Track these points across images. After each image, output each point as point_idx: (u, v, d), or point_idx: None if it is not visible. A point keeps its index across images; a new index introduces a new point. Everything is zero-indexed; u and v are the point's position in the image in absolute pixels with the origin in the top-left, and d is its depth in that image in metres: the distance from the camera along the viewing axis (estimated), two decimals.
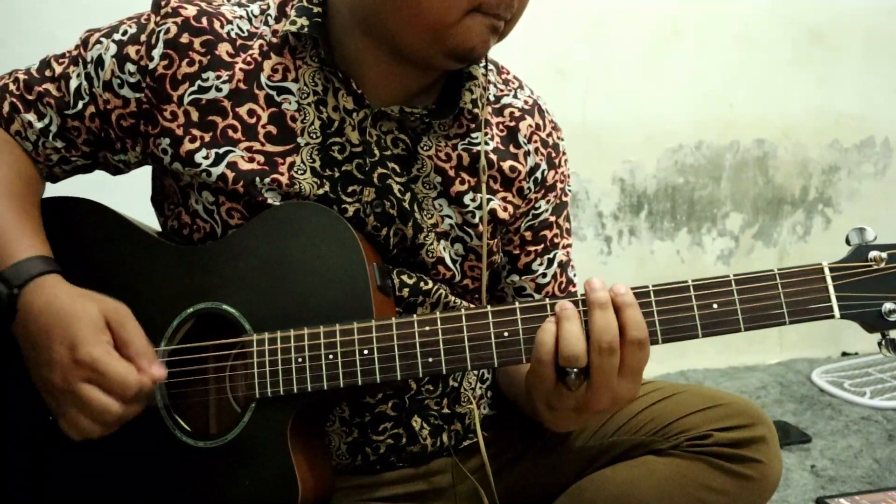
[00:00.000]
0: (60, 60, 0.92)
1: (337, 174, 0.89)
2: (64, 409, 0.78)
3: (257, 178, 0.87)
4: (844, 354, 2.45)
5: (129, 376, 0.76)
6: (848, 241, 0.75)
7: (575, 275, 1.06)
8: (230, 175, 0.86)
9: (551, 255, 1.02)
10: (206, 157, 0.87)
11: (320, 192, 0.88)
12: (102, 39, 0.90)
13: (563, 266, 1.04)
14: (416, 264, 0.93)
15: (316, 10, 0.88)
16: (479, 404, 1.03)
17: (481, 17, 0.82)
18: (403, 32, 0.84)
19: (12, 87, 0.92)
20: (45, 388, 0.79)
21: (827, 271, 0.74)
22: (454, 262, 0.95)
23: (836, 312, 0.74)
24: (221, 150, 0.87)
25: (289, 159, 0.88)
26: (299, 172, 0.88)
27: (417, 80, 0.91)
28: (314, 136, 0.89)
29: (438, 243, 0.93)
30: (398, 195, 0.90)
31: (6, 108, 0.91)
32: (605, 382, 0.74)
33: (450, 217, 0.94)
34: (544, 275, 1.02)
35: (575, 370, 0.73)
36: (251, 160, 0.87)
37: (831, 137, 2.42)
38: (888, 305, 0.73)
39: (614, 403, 0.76)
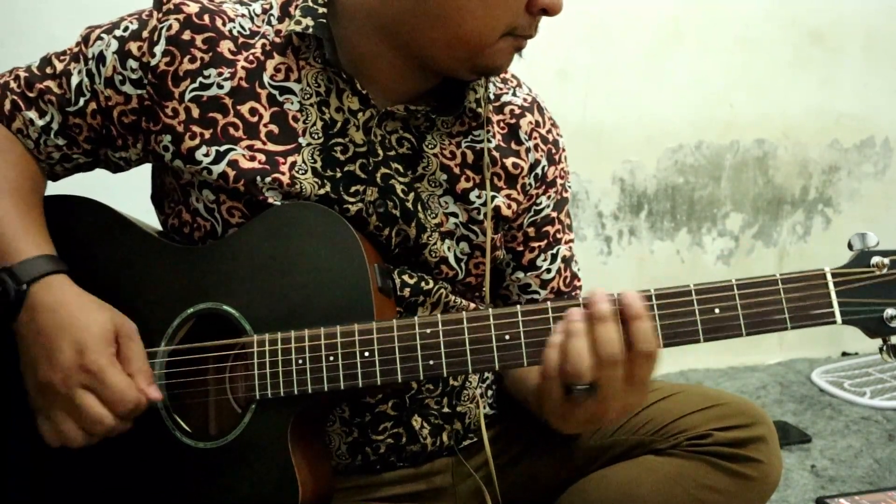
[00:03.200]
0: (61, 58, 0.92)
1: (339, 175, 0.89)
2: (53, 410, 0.78)
3: (258, 177, 0.87)
4: (844, 354, 2.45)
5: (128, 391, 0.78)
6: (850, 247, 0.75)
7: (579, 269, 1.06)
8: (231, 173, 0.86)
9: (555, 251, 1.02)
10: (207, 155, 0.87)
11: (321, 192, 0.88)
12: (104, 36, 0.90)
13: (567, 261, 1.04)
14: (419, 264, 0.93)
15: (321, 10, 0.88)
16: (480, 404, 1.03)
17: (513, 40, 0.86)
18: (435, 48, 0.85)
19: (13, 84, 0.92)
20: (39, 385, 0.79)
21: (829, 277, 0.74)
22: (458, 260, 0.95)
23: (838, 318, 0.73)
24: (222, 148, 0.87)
25: (290, 159, 0.88)
26: (300, 172, 0.88)
27: (426, 82, 0.91)
28: (316, 137, 0.89)
29: (442, 243, 0.93)
30: (401, 195, 0.90)
31: (7, 105, 0.91)
32: (613, 394, 0.73)
33: (455, 215, 0.94)
34: (549, 270, 1.02)
35: (580, 386, 0.73)
36: (252, 159, 0.87)
37: (831, 137, 2.42)
38: (890, 311, 0.72)
39: (624, 412, 0.76)
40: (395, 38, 0.86)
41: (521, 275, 1.01)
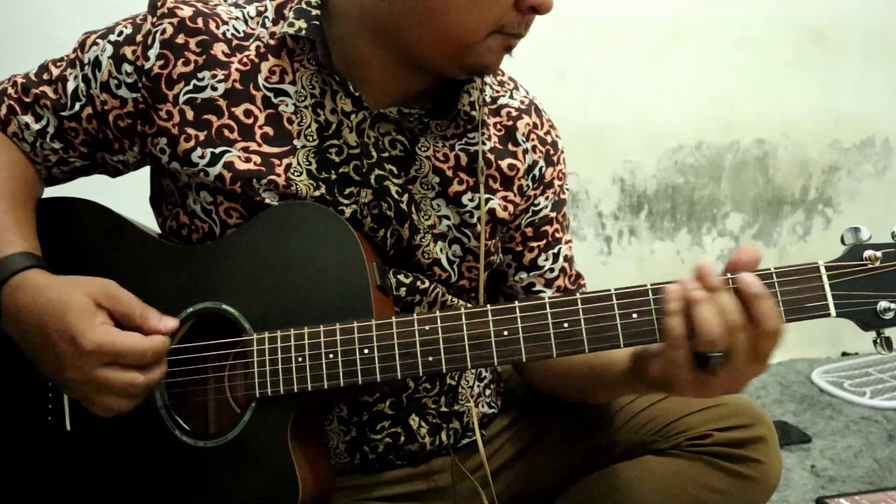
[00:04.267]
0: (58, 64, 0.93)
1: (334, 176, 0.89)
2: (90, 397, 0.79)
3: (254, 179, 0.87)
4: (844, 354, 2.45)
5: (139, 344, 0.77)
6: (843, 241, 0.76)
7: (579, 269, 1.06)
8: (227, 175, 0.86)
9: (555, 251, 1.02)
10: (202, 157, 0.87)
11: (316, 193, 0.88)
12: (99, 41, 0.90)
13: (569, 260, 1.04)
14: (413, 265, 0.93)
15: (314, 12, 0.88)
16: (478, 403, 1.04)
17: (502, 38, 0.84)
18: (423, 45, 0.84)
19: (10, 90, 0.93)
20: (61, 383, 0.80)
21: (823, 270, 0.74)
22: (451, 263, 0.95)
23: (833, 311, 0.74)
24: (217, 150, 0.87)
25: (285, 161, 0.88)
26: (296, 174, 0.88)
27: (420, 83, 0.91)
28: (311, 139, 0.89)
29: (435, 245, 0.93)
30: (395, 196, 0.90)
31: (3, 110, 0.92)
32: (744, 361, 0.73)
33: (448, 217, 0.94)
34: (552, 269, 1.02)
35: (716, 354, 0.72)
36: (248, 160, 0.87)
37: (831, 137, 2.42)
38: (883, 304, 0.73)
39: (750, 379, 0.75)
40: (386, 37, 0.86)
41: (523, 275, 1.01)
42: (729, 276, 0.73)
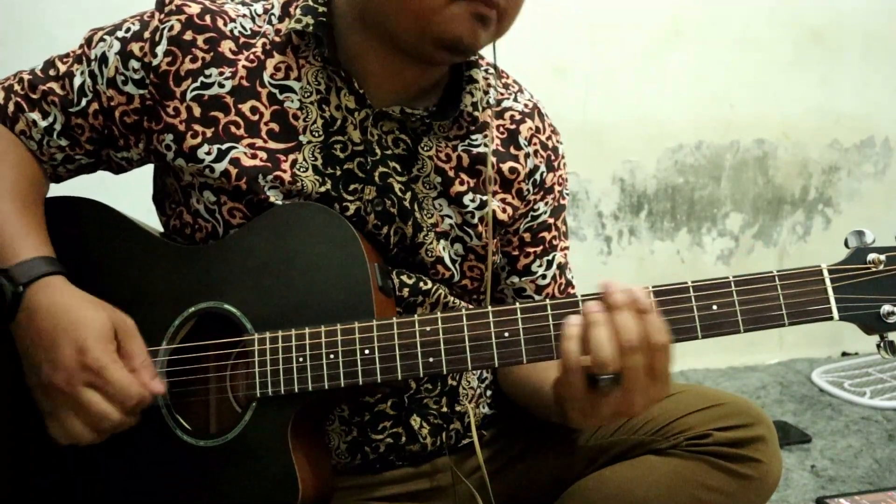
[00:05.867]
0: (64, 60, 0.93)
1: (339, 172, 0.89)
2: (59, 410, 0.78)
3: (260, 175, 0.87)
4: (844, 354, 2.45)
5: (132, 386, 0.78)
6: (846, 244, 0.76)
7: (572, 277, 1.06)
8: (233, 171, 0.87)
9: (550, 257, 1.02)
10: (209, 153, 0.87)
11: (322, 189, 0.88)
12: (106, 37, 0.91)
13: (562, 268, 1.04)
14: (416, 264, 0.93)
15: (321, 9, 0.88)
16: (479, 403, 1.04)
17: (466, 4, 0.82)
18: (394, 20, 0.84)
19: (17, 87, 0.92)
20: (42, 387, 0.79)
21: (826, 273, 0.74)
22: (454, 262, 0.95)
23: (835, 314, 0.74)
24: (224, 146, 0.87)
25: (291, 157, 0.88)
26: (301, 170, 0.88)
27: (417, 78, 0.91)
28: (316, 135, 0.89)
29: (438, 243, 0.93)
30: (399, 194, 0.90)
31: (11, 107, 0.92)
32: (637, 385, 0.73)
33: (450, 217, 0.94)
34: (544, 276, 1.02)
35: (605, 376, 0.72)
36: (254, 157, 0.87)
37: (831, 137, 2.42)
38: (886, 307, 0.73)
39: (648, 405, 0.75)
40: (372, 25, 0.86)
41: (515, 279, 1.02)
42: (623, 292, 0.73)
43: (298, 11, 0.89)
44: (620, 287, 0.73)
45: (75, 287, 0.82)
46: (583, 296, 0.76)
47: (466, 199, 0.94)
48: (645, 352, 0.72)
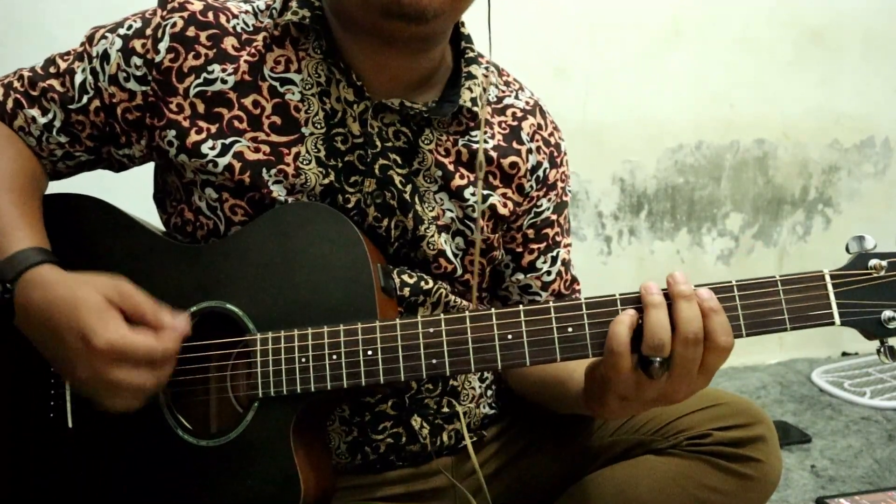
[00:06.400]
0: (65, 57, 0.93)
1: (340, 164, 0.90)
2: (98, 397, 0.78)
3: (263, 169, 0.87)
4: (844, 354, 2.45)
5: (150, 344, 0.76)
6: (848, 249, 0.76)
7: (575, 273, 1.06)
8: (237, 165, 0.87)
9: (554, 254, 1.02)
10: (213, 148, 0.87)
11: (325, 181, 0.89)
12: (107, 35, 0.91)
13: (566, 264, 1.04)
14: (418, 260, 0.93)
15: (316, 2, 0.89)
16: (479, 403, 1.04)
17: None
18: (348, 3, 0.83)
19: (17, 84, 0.93)
20: (73, 383, 0.80)
21: (828, 279, 0.75)
22: (455, 255, 0.95)
23: (837, 319, 0.74)
24: (228, 141, 0.87)
25: (294, 149, 0.88)
26: (304, 163, 0.88)
27: (406, 69, 0.90)
28: (318, 127, 0.89)
29: (440, 236, 0.93)
30: (399, 186, 0.90)
31: (10, 104, 0.92)
32: (688, 374, 0.74)
33: (451, 211, 0.94)
34: (549, 272, 1.02)
35: (659, 359, 0.73)
36: (257, 150, 0.88)
37: (831, 137, 2.42)
38: (887, 313, 0.73)
39: (688, 395, 0.76)
40: (338, 15, 0.87)
41: (520, 276, 1.02)
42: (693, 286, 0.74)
43: (295, 4, 0.89)
44: (685, 278, 0.74)
45: (61, 271, 0.80)
46: (668, 277, 0.75)
47: (467, 193, 0.94)
48: (707, 348, 0.73)
